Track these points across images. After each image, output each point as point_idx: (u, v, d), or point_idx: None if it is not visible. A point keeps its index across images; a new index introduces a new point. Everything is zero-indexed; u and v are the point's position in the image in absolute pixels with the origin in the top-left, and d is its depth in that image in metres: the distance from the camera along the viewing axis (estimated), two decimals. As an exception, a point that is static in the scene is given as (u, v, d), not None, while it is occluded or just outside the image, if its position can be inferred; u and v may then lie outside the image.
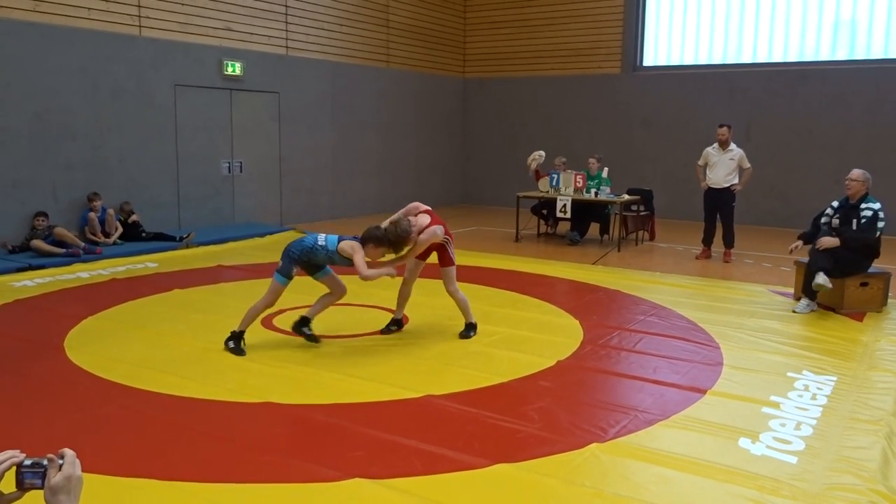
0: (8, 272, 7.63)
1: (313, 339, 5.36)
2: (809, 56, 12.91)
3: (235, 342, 5.17)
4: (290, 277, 5.14)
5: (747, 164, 9.41)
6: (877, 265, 6.93)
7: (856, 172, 6.82)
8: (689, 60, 14.00)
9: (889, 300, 6.88)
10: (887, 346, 5.64)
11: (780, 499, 3.20)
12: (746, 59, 13.44)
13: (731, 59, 13.59)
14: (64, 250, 8.39)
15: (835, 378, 4.82)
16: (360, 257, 4.97)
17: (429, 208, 5.52)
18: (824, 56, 12.81)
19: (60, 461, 1.53)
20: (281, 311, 6.02)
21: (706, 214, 9.67)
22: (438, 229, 5.33)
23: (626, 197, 10.73)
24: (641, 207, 11.18)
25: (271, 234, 10.89)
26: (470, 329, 5.69)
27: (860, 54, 12.52)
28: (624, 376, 4.88)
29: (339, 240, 5.12)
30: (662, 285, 7.88)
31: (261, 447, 3.63)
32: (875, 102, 12.12)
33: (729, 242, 9.58)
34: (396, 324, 5.83)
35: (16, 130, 8.85)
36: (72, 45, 9.27)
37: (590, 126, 14.67)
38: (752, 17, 13.34)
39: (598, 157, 11.28)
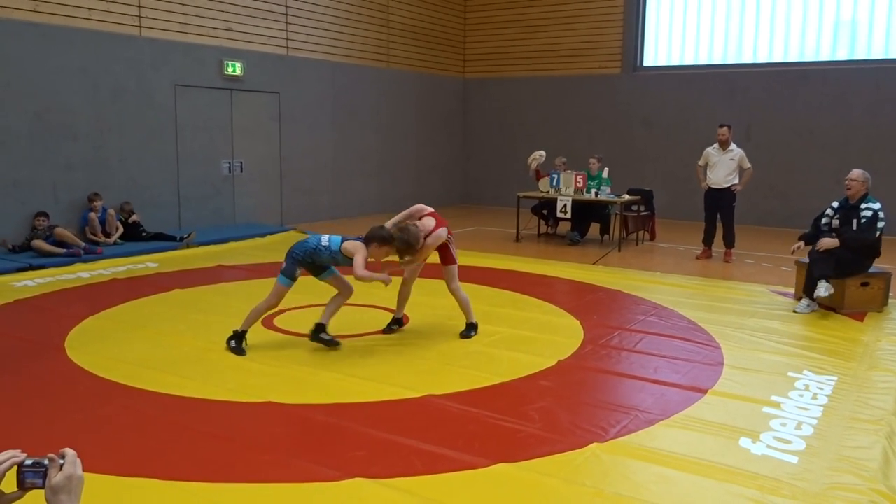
0: (8, 272, 7.64)
1: (334, 343, 5.28)
2: (810, 56, 12.90)
3: (237, 342, 5.17)
4: (293, 279, 5.14)
5: (748, 165, 9.41)
6: (877, 265, 6.93)
7: (856, 172, 6.81)
8: (689, 60, 14.00)
9: (890, 300, 6.88)
10: (888, 345, 5.64)
11: (781, 498, 3.20)
12: (747, 59, 13.44)
13: (731, 60, 13.58)
14: (65, 250, 8.39)
15: (835, 378, 4.82)
16: (361, 257, 4.96)
17: (432, 210, 5.51)
18: (825, 56, 12.80)
19: (61, 461, 1.54)
20: (282, 312, 6.02)
21: (706, 214, 9.67)
22: (443, 231, 5.33)
23: (627, 197, 10.73)
24: (642, 207, 11.18)
25: (272, 234, 10.90)
26: (471, 329, 5.69)
27: (861, 54, 12.52)
28: (624, 376, 4.88)
29: (343, 240, 5.12)
30: (663, 285, 7.88)
31: (261, 447, 3.63)
32: (875, 102, 12.11)
33: (729, 242, 9.58)
34: (397, 323, 5.83)
35: (16, 130, 8.86)
36: (72, 45, 9.27)
37: (590, 126, 14.66)
38: (752, 17, 13.34)
39: (598, 157, 11.28)
